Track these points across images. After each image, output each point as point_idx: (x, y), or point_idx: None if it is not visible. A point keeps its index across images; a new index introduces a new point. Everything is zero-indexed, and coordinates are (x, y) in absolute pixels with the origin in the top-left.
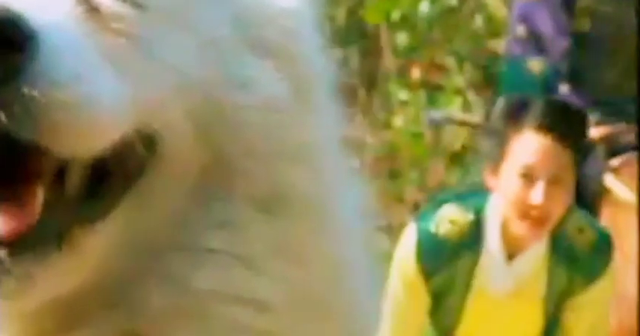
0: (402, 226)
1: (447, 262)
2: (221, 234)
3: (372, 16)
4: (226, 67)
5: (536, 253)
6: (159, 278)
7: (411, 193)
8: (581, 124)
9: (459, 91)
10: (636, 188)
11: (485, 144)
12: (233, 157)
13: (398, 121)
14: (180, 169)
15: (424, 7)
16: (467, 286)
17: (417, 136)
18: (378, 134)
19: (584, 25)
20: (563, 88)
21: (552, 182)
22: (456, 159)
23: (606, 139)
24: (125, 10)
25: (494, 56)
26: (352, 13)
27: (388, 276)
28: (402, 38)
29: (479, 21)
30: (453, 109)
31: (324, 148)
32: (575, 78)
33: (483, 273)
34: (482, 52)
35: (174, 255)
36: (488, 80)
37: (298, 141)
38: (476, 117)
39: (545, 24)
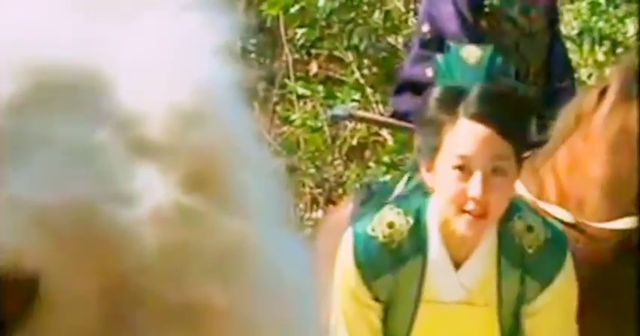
0: (300, 221)
1: (389, 269)
2: None
3: (270, 9)
4: (109, 180)
5: (485, 256)
6: None
7: (310, 188)
8: (524, 113)
9: (357, 87)
10: None
11: (418, 137)
12: (129, 277)
13: (297, 115)
14: (71, 297)
15: (322, 1)
16: (416, 295)
17: (316, 130)
18: (276, 129)
19: (491, 24)
20: None
21: (491, 174)
22: (354, 154)
23: None
24: None
25: (394, 51)
26: (250, 5)
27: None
28: (301, 32)
29: (377, 16)
30: (352, 104)
31: (248, 249)
32: None
33: (432, 281)
34: (380, 47)
35: None
36: (387, 76)
37: (204, 253)
38: (376, 113)
39: (451, 22)
